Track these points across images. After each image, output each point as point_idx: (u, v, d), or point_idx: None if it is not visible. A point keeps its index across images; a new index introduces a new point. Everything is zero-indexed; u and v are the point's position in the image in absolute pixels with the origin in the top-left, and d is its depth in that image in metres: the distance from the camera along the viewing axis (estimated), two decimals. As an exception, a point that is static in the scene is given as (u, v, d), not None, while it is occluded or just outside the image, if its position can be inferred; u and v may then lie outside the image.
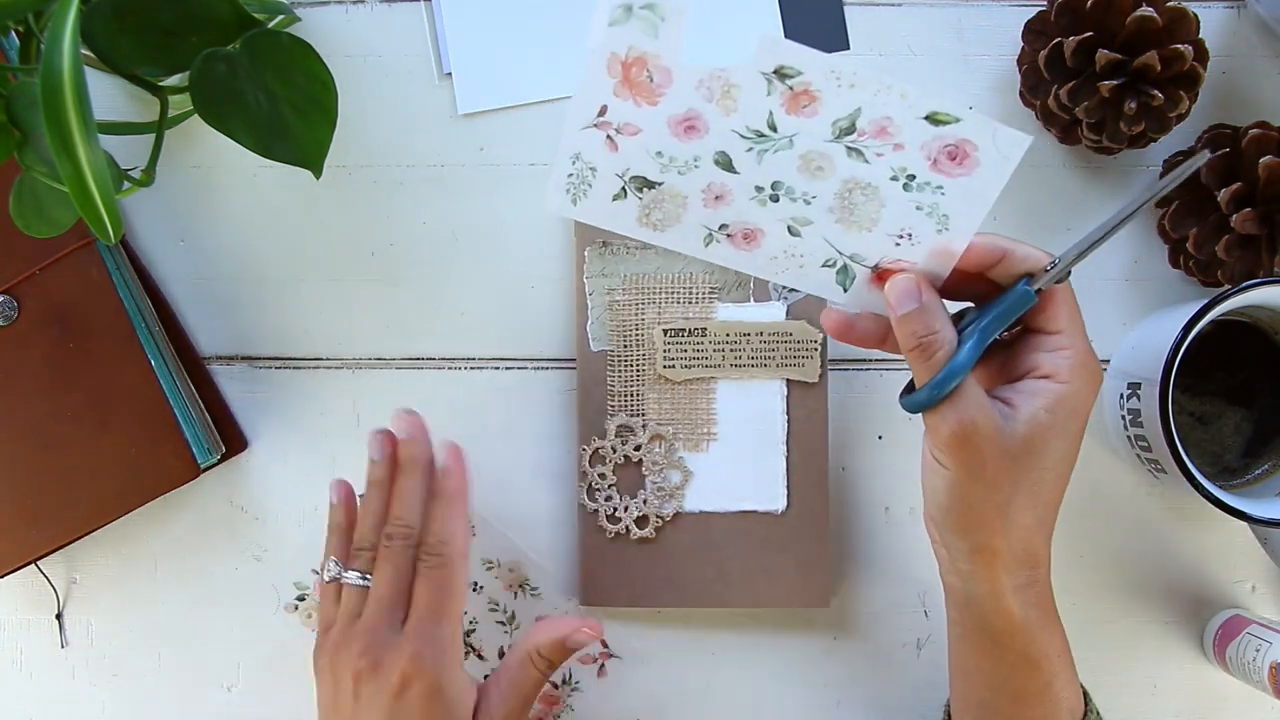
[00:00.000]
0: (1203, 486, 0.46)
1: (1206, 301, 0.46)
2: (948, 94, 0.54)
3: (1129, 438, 0.50)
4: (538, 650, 0.46)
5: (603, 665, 0.55)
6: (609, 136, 0.37)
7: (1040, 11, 0.51)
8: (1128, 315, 0.54)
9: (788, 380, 0.52)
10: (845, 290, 0.42)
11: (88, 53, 0.39)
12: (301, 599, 0.55)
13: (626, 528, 0.52)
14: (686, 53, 0.36)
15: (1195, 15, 0.48)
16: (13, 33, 0.47)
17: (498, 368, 0.55)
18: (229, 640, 0.56)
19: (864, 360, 0.54)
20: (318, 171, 0.47)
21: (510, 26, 0.55)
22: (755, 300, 0.52)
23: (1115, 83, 0.47)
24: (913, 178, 0.38)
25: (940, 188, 0.38)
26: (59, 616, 0.56)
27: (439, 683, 0.44)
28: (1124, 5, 0.48)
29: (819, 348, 0.52)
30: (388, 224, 0.55)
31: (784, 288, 0.52)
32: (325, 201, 0.55)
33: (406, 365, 0.55)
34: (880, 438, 0.54)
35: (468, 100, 0.55)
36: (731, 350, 0.52)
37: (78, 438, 0.52)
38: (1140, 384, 0.48)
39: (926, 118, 0.37)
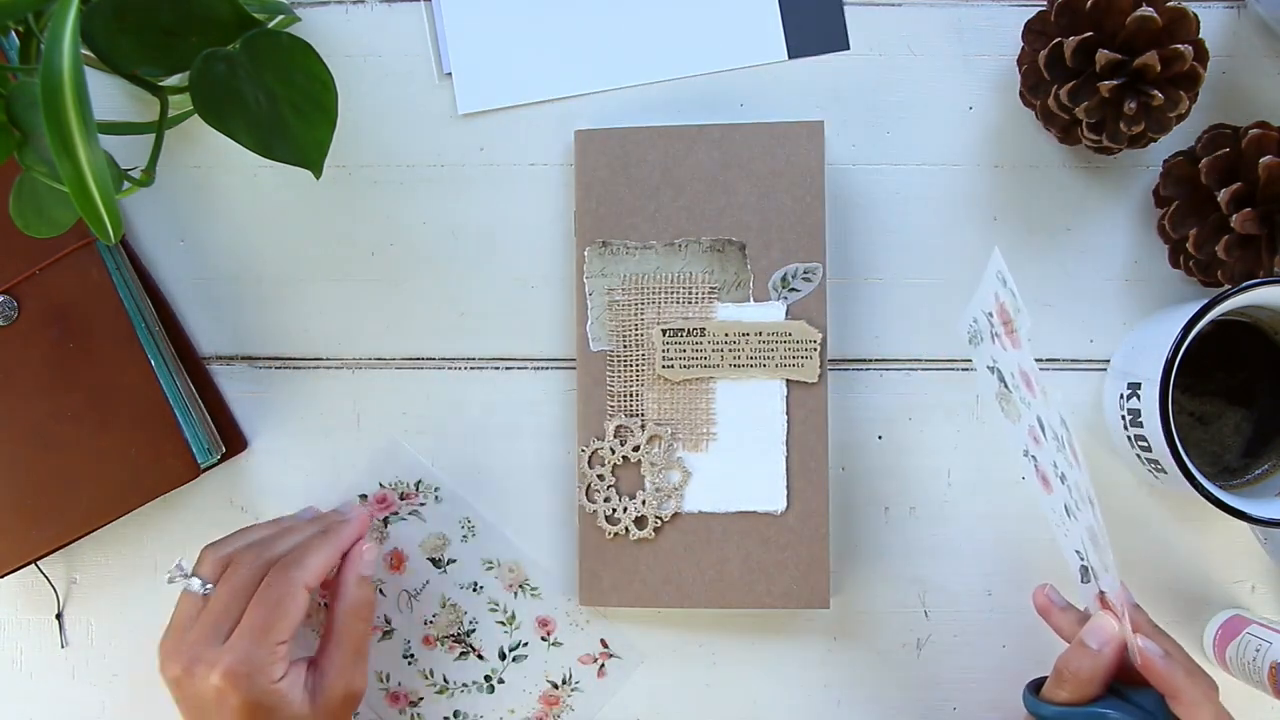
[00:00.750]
0: (1203, 486, 0.46)
1: (1206, 301, 0.46)
2: (946, 95, 0.54)
3: (1129, 438, 0.50)
4: (349, 606, 0.49)
5: (603, 665, 0.55)
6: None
7: (1040, 11, 0.51)
8: (1128, 315, 0.54)
9: (787, 380, 0.52)
10: (1082, 582, 0.46)
11: (88, 53, 0.39)
12: (301, 599, 0.55)
13: (626, 528, 0.52)
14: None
15: (1195, 15, 0.48)
16: (13, 33, 0.47)
17: (498, 368, 0.55)
18: (229, 640, 0.56)
19: (864, 360, 0.54)
20: (318, 171, 0.47)
21: (510, 26, 0.55)
22: (755, 300, 0.52)
23: (1115, 83, 0.47)
24: (1092, 502, 0.42)
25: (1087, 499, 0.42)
26: (59, 616, 0.56)
27: (253, 698, 0.44)
28: (1124, 5, 0.48)
29: (818, 348, 0.52)
30: (388, 224, 0.55)
31: (780, 294, 0.52)
32: (325, 201, 0.55)
33: (406, 365, 0.55)
34: (880, 438, 0.54)
35: (468, 100, 0.55)
36: (731, 350, 0.52)
37: (78, 438, 0.52)
38: (1140, 384, 0.48)
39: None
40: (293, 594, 0.46)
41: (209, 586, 0.47)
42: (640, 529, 0.52)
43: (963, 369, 0.54)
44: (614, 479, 0.53)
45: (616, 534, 0.52)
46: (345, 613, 0.49)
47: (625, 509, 0.52)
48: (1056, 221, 0.54)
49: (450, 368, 0.55)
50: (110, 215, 0.39)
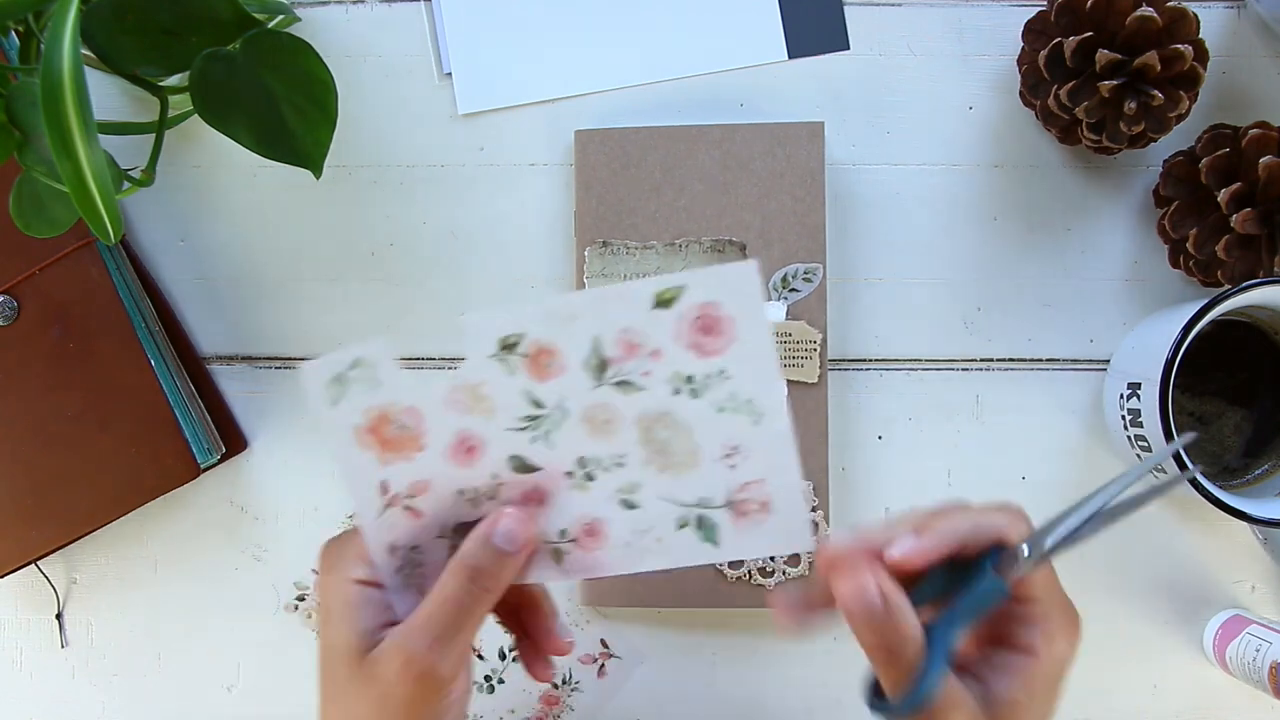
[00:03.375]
0: (1203, 486, 0.46)
1: (1206, 301, 0.46)
2: (946, 95, 0.54)
3: (1129, 438, 0.50)
4: (461, 559, 0.36)
5: (603, 665, 0.55)
6: (407, 508, 0.35)
7: (1040, 11, 0.51)
8: (1128, 315, 0.54)
9: (787, 380, 0.52)
10: (717, 545, 0.36)
11: (88, 53, 0.39)
12: (301, 599, 0.55)
13: (626, 528, 0.52)
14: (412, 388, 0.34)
15: (1195, 15, 0.48)
16: (13, 33, 0.47)
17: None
18: (229, 640, 0.56)
19: (864, 360, 0.54)
20: (318, 171, 0.47)
21: (510, 26, 0.55)
22: (755, 300, 0.52)
23: (1115, 83, 0.47)
24: (690, 379, 0.34)
25: (722, 371, 0.34)
26: (59, 616, 0.56)
27: (325, 598, 0.36)
28: (1124, 5, 0.48)
29: (818, 348, 0.52)
30: (388, 224, 0.55)
31: (780, 294, 0.52)
32: (325, 201, 0.55)
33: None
34: (880, 438, 0.54)
35: (468, 100, 0.55)
36: (731, 350, 0.52)
37: (78, 438, 0.52)
38: (1140, 384, 0.48)
39: (656, 305, 0.33)
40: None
41: None
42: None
43: (962, 369, 0.54)
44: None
45: (616, 534, 0.52)
46: (454, 565, 0.36)
47: (625, 509, 0.52)
48: (1056, 221, 0.54)
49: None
50: (110, 215, 0.39)
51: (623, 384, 0.34)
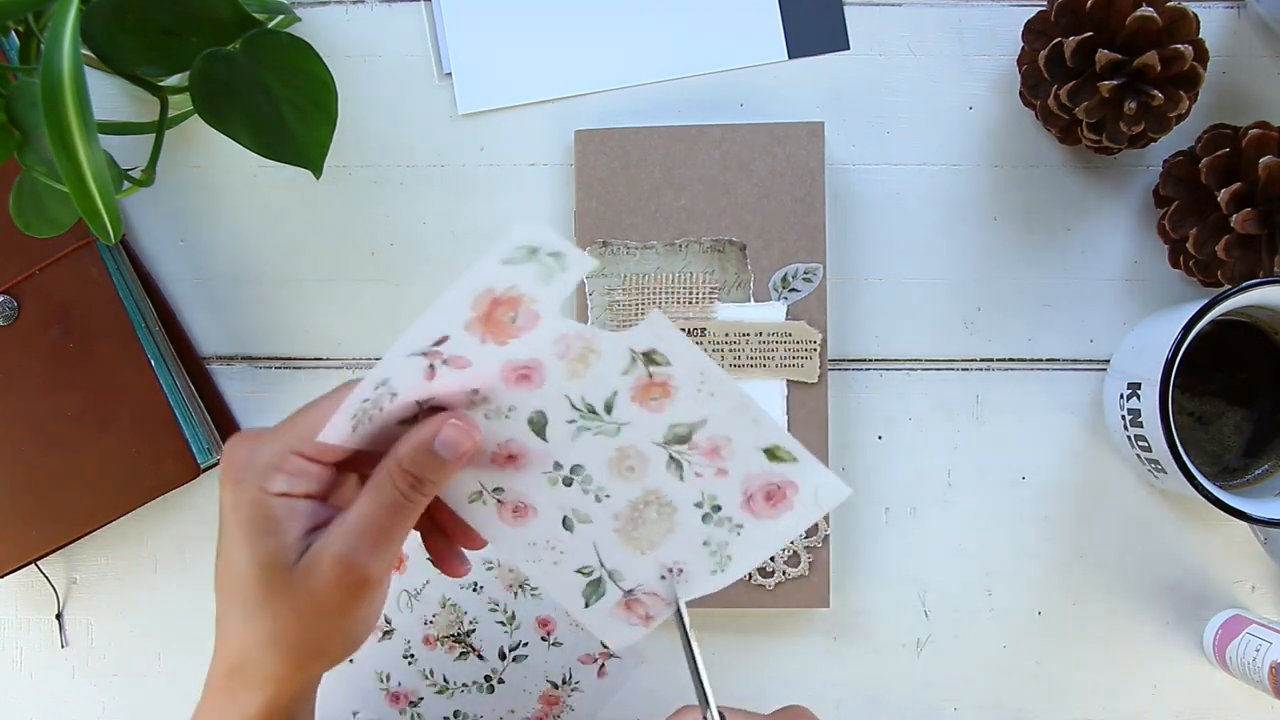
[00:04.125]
0: (1203, 486, 0.46)
1: (1206, 301, 0.46)
2: (946, 95, 0.54)
3: (1129, 438, 0.50)
4: (399, 464, 0.34)
5: (603, 665, 0.55)
6: (431, 366, 0.34)
7: (1040, 11, 0.51)
8: (1128, 315, 0.54)
9: (788, 380, 0.52)
10: (587, 606, 0.38)
11: (88, 53, 0.39)
12: (301, 599, 0.55)
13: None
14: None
15: (1195, 15, 0.48)
16: (13, 33, 0.47)
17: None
18: (229, 640, 0.56)
19: (864, 360, 0.54)
20: (318, 171, 0.47)
21: (510, 26, 0.55)
22: (755, 300, 0.52)
23: (1115, 83, 0.47)
24: (718, 509, 0.36)
25: (740, 526, 0.36)
26: (59, 616, 0.56)
27: (237, 498, 0.35)
28: (1124, 5, 0.48)
29: (818, 348, 0.52)
30: (388, 224, 0.55)
31: (780, 294, 0.52)
32: (325, 201, 0.55)
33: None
34: (880, 438, 0.54)
35: (468, 100, 0.55)
36: (731, 350, 0.52)
37: (78, 438, 0.52)
38: (1140, 384, 0.48)
39: (766, 450, 0.35)
40: (334, 398, 0.35)
41: None
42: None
43: (962, 369, 0.54)
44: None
45: (616, 534, 0.52)
46: (393, 469, 0.34)
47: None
48: (1056, 221, 0.54)
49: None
50: (110, 215, 0.39)
51: (676, 461, 0.36)
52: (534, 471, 0.36)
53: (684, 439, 0.35)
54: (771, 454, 0.35)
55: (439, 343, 0.33)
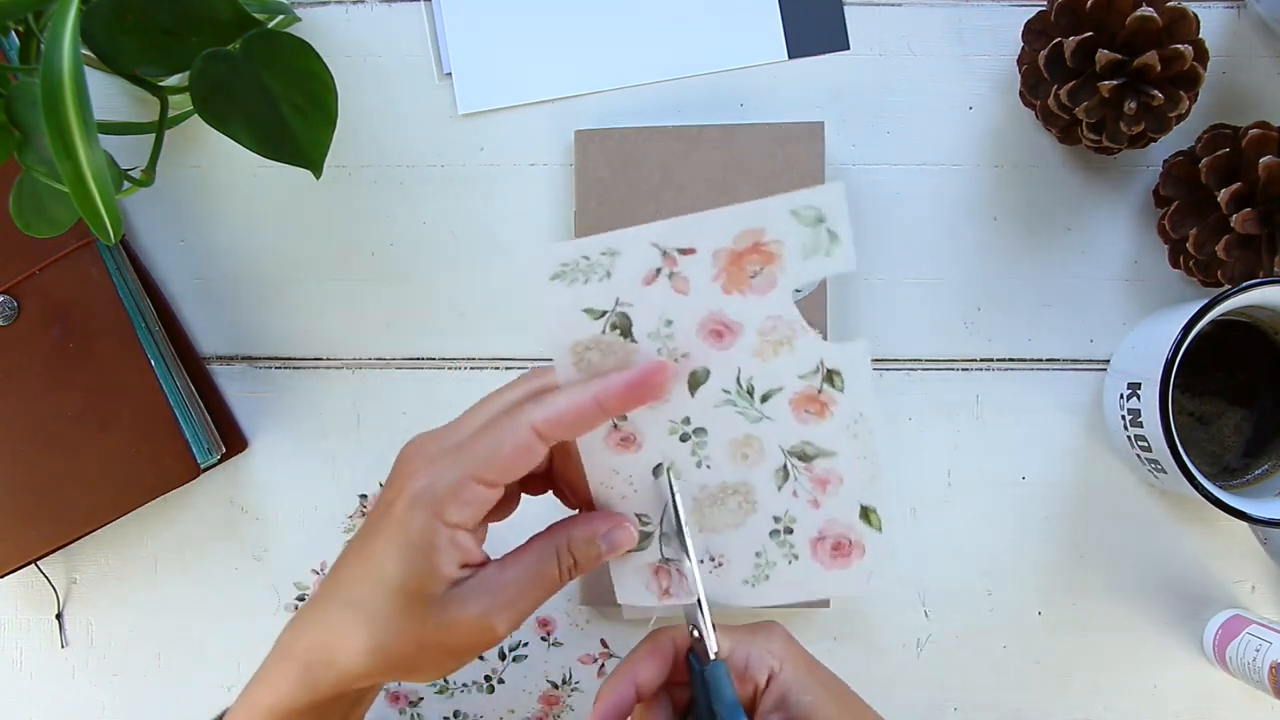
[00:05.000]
0: (1203, 486, 0.46)
1: (1206, 301, 0.46)
2: (946, 95, 0.54)
3: (1129, 438, 0.50)
4: (569, 546, 0.37)
5: (603, 665, 0.55)
6: (658, 270, 0.34)
7: (1040, 11, 0.51)
8: (1128, 315, 0.54)
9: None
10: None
11: (88, 53, 0.39)
12: (301, 599, 0.55)
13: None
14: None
15: (1195, 15, 0.48)
16: (13, 33, 0.47)
17: (498, 368, 0.55)
18: (229, 640, 0.56)
19: (864, 360, 0.54)
20: (318, 171, 0.47)
21: (510, 26, 0.55)
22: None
23: (1115, 83, 0.47)
24: (790, 531, 0.37)
25: (796, 557, 0.37)
26: (59, 616, 0.56)
27: (414, 525, 0.35)
28: (1124, 5, 0.48)
29: (819, 348, 0.52)
30: (388, 224, 0.55)
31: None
32: (325, 201, 0.55)
33: (406, 365, 0.55)
34: (880, 438, 0.54)
35: (468, 100, 0.55)
36: (731, 350, 0.52)
37: (78, 438, 0.52)
38: (1140, 384, 0.48)
39: (864, 507, 0.36)
40: (513, 426, 0.34)
41: None
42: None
43: (962, 369, 0.54)
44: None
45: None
46: (559, 548, 0.37)
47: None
48: (1056, 221, 0.54)
49: (450, 368, 0.55)
50: (110, 215, 0.39)
51: (786, 471, 0.37)
52: (663, 417, 0.36)
53: (806, 458, 0.36)
54: (865, 513, 0.36)
55: (684, 252, 0.34)
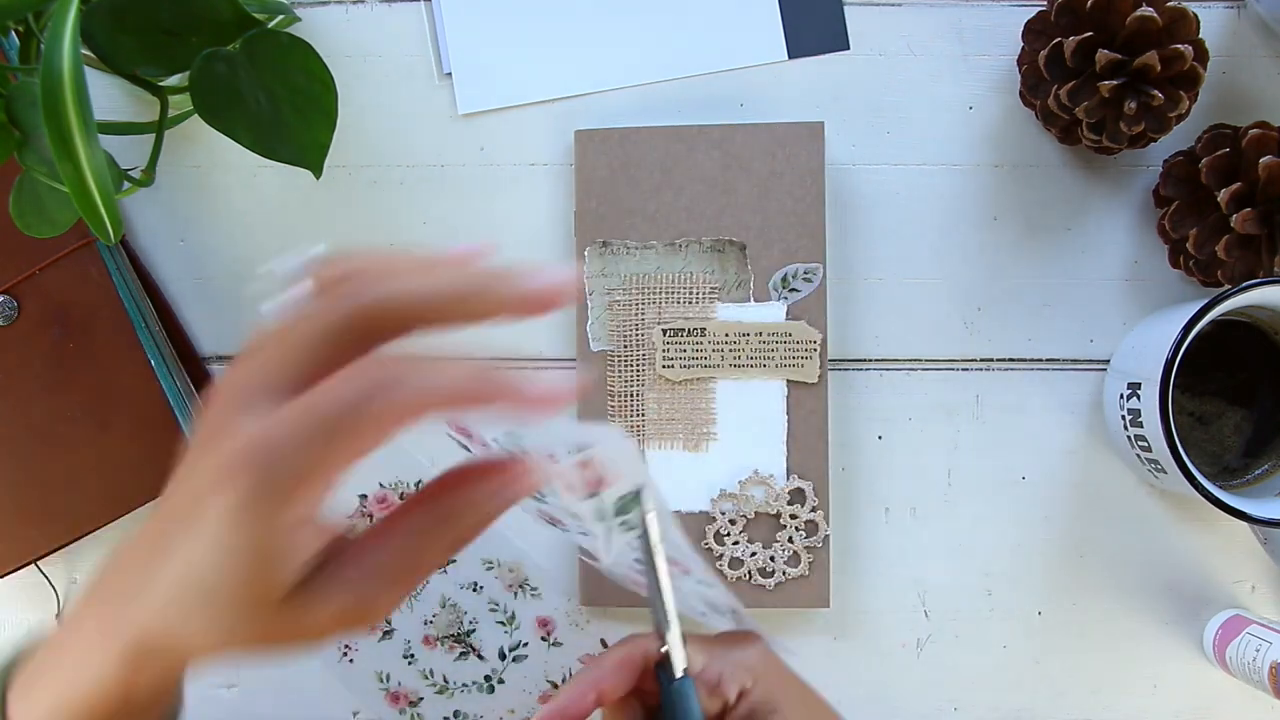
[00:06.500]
0: (1203, 486, 0.46)
1: (1206, 301, 0.46)
2: (946, 95, 0.54)
3: (1129, 438, 0.50)
4: (452, 513, 0.29)
5: (603, 665, 0.55)
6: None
7: (1040, 11, 0.51)
8: (1128, 315, 0.54)
9: (788, 380, 0.52)
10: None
11: (88, 53, 0.39)
12: (301, 599, 0.55)
13: (626, 528, 0.52)
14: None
15: (1195, 15, 0.48)
16: (13, 33, 0.47)
17: (497, 367, 0.55)
18: (229, 640, 0.56)
19: (864, 360, 0.54)
20: (318, 171, 0.47)
21: (510, 26, 0.55)
22: (755, 300, 0.52)
23: (1115, 83, 0.47)
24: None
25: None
26: (59, 616, 0.56)
27: (247, 518, 0.26)
28: (1124, 5, 0.48)
29: (818, 348, 0.52)
30: (388, 224, 0.55)
31: (780, 294, 0.52)
32: (325, 201, 0.55)
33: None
34: (880, 438, 0.54)
35: (468, 100, 0.55)
36: (731, 350, 0.52)
37: (78, 438, 0.52)
38: (1140, 384, 0.48)
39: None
40: (387, 412, 0.26)
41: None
42: (640, 529, 0.52)
43: (962, 369, 0.54)
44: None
45: (616, 534, 0.52)
46: (423, 521, 0.29)
47: (625, 509, 0.52)
48: (1056, 221, 0.54)
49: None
50: (110, 215, 0.39)
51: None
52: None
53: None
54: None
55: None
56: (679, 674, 0.36)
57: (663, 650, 0.36)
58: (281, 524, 0.26)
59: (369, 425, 0.26)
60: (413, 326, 0.28)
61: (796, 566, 0.52)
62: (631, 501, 0.35)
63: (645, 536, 0.35)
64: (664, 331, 0.52)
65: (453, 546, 0.29)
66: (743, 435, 0.52)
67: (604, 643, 0.55)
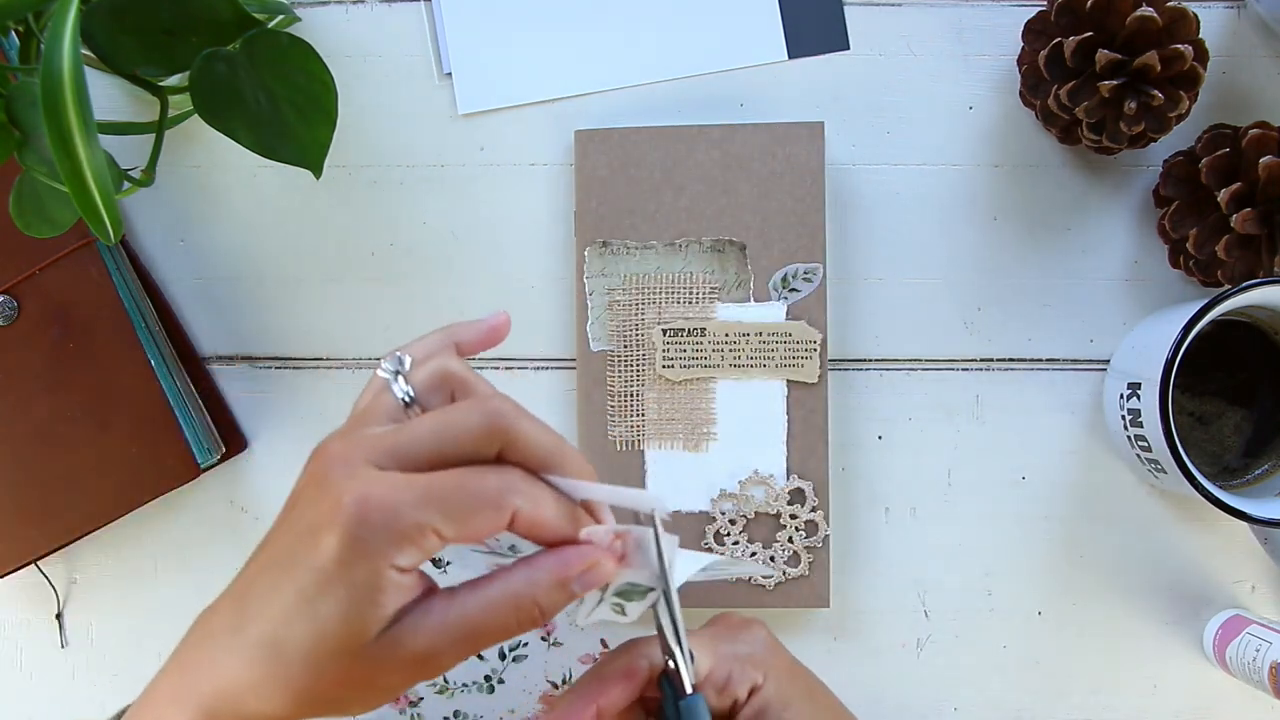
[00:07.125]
0: (1203, 486, 0.46)
1: (1206, 301, 0.46)
2: (946, 95, 0.54)
3: (1129, 438, 0.50)
4: (535, 593, 0.32)
5: (603, 665, 0.55)
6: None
7: (1040, 11, 0.51)
8: (1128, 315, 0.54)
9: (788, 380, 0.52)
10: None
11: (88, 53, 0.39)
12: (301, 599, 0.55)
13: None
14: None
15: (1195, 15, 0.48)
16: (13, 33, 0.47)
17: (498, 368, 0.55)
18: (229, 640, 0.56)
19: (864, 360, 0.54)
20: (318, 171, 0.47)
21: (510, 26, 0.55)
22: (755, 300, 0.52)
23: (1115, 83, 0.47)
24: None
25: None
26: (59, 616, 0.56)
27: (355, 556, 0.30)
28: (1124, 5, 0.48)
29: (818, 348, 0.52)
30: (388, 224, 0.55)
31: (780, 294, 0.52)
32: (325, 201, 0.55)
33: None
34: (880, 438, 0.54)
35: (468, 100, 0.55)
36: (731, 350, 0.52)
37: (78, 438, 0.52)
38: (1140, 384, 0.48)
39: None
40: (493, 499, 0.31)
41: (412, 396, 0.34)
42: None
43: (962, 369, 0.54)
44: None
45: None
46: (506, 589, 0.32)
47: (625, 509, 0.52)
48: (1056, 221, 0.54)
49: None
50: (110, 215, 0.39)
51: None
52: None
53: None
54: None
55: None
56: (689, 691, 0.35)
57: (669, 665, 0.35)
58: (390, 570, 0.30)
59: (481, 520, 0.31)
60: (527, 465, 0.33)
61: (796, 566, 0.52)
62: (637, 594, 0.36)
63: (659, 551, 0.34)
64: (664, 331, 0.52)
65: (531, 623, 0.33)
66: (743, 435, 0.52)
67: (604, 643, 0.55)
